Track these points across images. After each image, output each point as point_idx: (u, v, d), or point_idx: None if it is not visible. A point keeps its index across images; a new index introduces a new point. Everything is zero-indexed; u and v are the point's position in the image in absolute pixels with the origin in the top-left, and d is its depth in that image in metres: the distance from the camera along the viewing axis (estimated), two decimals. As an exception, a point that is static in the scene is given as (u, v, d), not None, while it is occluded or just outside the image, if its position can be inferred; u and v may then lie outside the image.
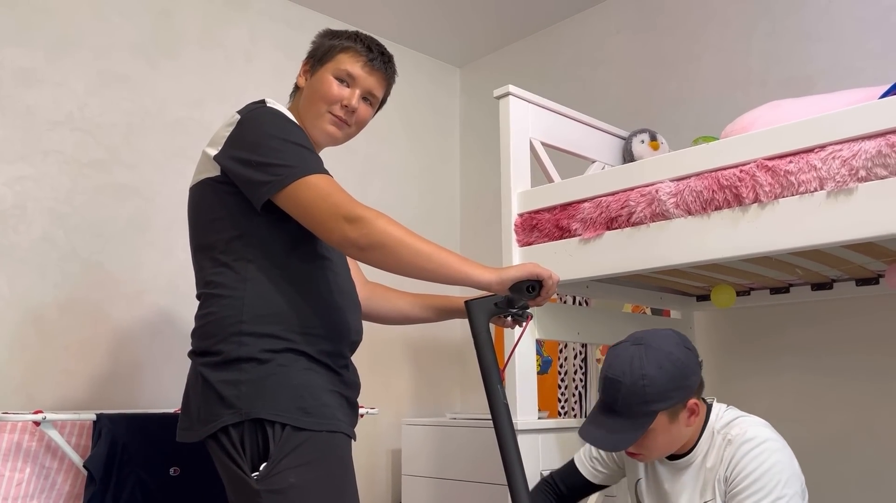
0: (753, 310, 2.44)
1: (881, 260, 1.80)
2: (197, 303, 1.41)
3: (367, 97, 1.53)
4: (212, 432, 1.30)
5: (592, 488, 1.71)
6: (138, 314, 2.37)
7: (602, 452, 1.69)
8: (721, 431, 1.48)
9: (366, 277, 1.69)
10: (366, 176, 3.07)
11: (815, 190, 1.40)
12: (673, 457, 1.54)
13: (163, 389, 2.35)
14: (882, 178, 1.31)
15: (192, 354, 1.38)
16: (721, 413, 1.52)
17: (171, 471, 1.85)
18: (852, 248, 1.71)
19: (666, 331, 1.49)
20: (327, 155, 1.57)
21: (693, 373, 1.45)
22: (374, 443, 2.91)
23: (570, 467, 1.72)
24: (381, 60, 1.52)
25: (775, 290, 2.30)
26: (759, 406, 2.39)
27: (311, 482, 1.27)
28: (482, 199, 3.34)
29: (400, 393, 3.05)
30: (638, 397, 1.40)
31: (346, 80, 1.49)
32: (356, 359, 3.00)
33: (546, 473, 1.84)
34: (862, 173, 1.33)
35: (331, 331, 1.39)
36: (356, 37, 1.52)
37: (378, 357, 2.98)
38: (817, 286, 2.20)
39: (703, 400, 1.54)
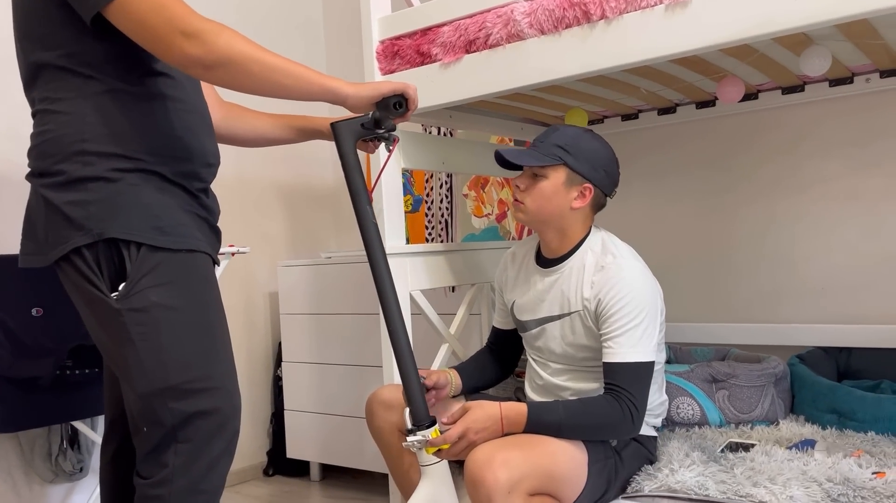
0: (607, 138, 2.58)
1: (711, 77, 1.94)
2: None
3: None
4: (62, 254, 1.24)
5: (510, 336, 1.82)
6: (-22, 162, 2.21)
7: (503, 302, 1.80)
8: (596, 252, 1.60)
9: (221, 97, 1.63)
10: (215, 7, 2.89)
11: (656, 4, 1.47)
12: (546, 265, 1.67)
13: (14, 235, 2.24)
14: (714, -11, 1.40)
15: (30, 176, 1.30)
16: (600, 237, 1.65)
17: (34, 311, 1.81)
18: (685, 66, 1.84)
19: None
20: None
21: (609, 173, 1.63)
22: (250, 287, 2.95)
23: (491, 329, 1.86)
24: None
25: (626, 117, 2.45)
26: (610, 225, 2.59)
27: (173, 299, 1.26)
28: (348, 32, 3.25)
29: (274, 237, 3.06)
30: (559, 139, 1.59)
31: None
32: (227, 201, 2.96)
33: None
34: (696, -16, 1.41)
35: (184, 152, 1.33)
36: None
37: (249, 201, 2.95)
38: (663, 111, 2.36)
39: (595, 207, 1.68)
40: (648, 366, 1.48)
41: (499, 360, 1.84)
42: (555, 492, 1.41)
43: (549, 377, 1.67)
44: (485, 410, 1.43)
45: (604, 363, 1.49)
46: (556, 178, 1.59)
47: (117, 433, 1.48)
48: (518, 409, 1.44)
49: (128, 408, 1.31)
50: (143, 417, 1.27)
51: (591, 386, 1.62)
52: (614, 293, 1.50)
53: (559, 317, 1.62)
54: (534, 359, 1.73)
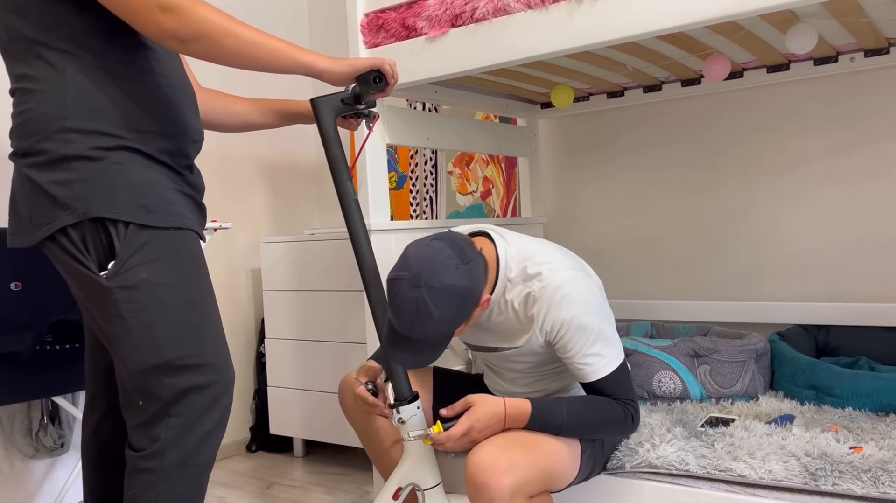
0: (592, 116, 2.59)
1: (696, 54, 1.94)
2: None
3: None
4: (48, 234, 1.24)
5: None
6: (-47, 134, 2.16)
7: None
8: (516, 281, 1.45)
9: (199, 83, 1.61)
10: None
11: (643, -21, 1.46)
12: None
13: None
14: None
15: (13, 156, 1.29)
16: (510, 258, 1.45)
17: (13, 286, 1.79)
18: (671, 42, 1.83)
19: (443, 253, 1.31)
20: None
21: (477, 284, 1.33)
22: (232, 263, 2.92)
23: None
24: None
25: (612, 95, 2.44)
26: (594, 204, 2.61)
27: (163, 276, 1.26)
28: (332, 4, 3.21)
29: (257, 213, 3.04)
30: (433, 334, 1.32)
31: None
32: (209, 177, 2.92)
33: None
34: (683, -38, 1.40)
35: (168, 129, 1.32)
36: None
37: (231, 178, 2.92)
38: (648, 88, 2.36)
39: (490, 237, 1.48)
40: (624, 366, 1.44)
41: None
42: (551, 487, 1.41)
43: (507, 386, 1.63)
44: (490, 408, 1.38)
45: (583, 384, 1.44)
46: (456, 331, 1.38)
47: (99, 407, 1.48)
48: (522, 408, 1.39)
49: (120, 383, 1.31)
50: (137, 392, 1.27)
51: (554, 386, 1.59)
52: (560, 320, 1.39)
53: (508, 349, 1.53)
54: (488, 368, 1.67)
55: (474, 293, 1.33)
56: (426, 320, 1.30)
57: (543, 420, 1.40)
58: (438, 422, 1.41)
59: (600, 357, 1.41)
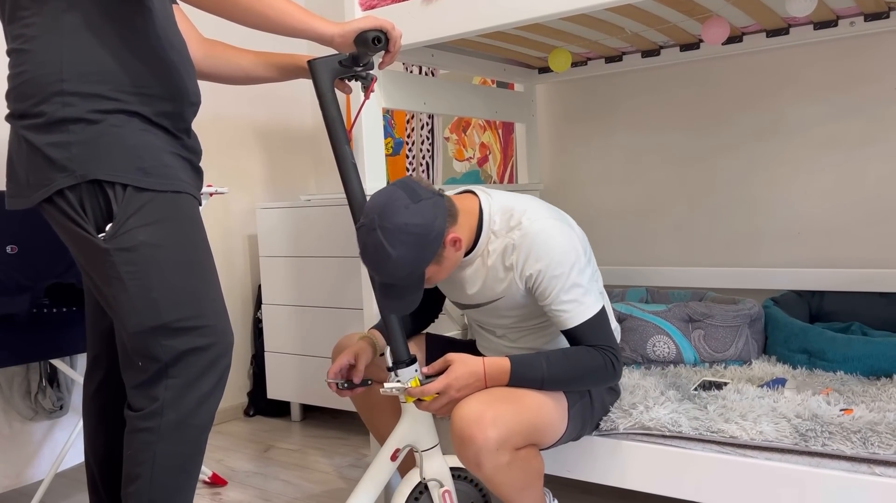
0: (590, 81, 2.57)
1: (695, 17, 1.92)
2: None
3: None
4: (45, 197, 1.24)
5: (429, 294, 1.75)
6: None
7: None
8: (499, 232, 1.49)
9: (201, 34, 1.59)
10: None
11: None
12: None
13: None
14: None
15: (10, 117, 1.28)
16: (493, 211, 1.50)
17: (9, 249, 1.79)
18: (669, 5, 1.81)
19: (394, 195, 1.37)
20: None
21: (433, 222, 1.37)
22: (229, 229, 2.92)
23: None
24: None
25: (610, 59, 2.42)
26: (591, 170, 2.60)
27: (161, 238, 1.27)
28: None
29: (252, 179, 3.03)
30: (400, 274, 1.37)
31: None
32: (204, 141, 2.90)
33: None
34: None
35: (168, 91, 1.32)
36: None
37: (227, 143, 2.90)
38: (647, 53, 2.34)
39: (474, 193, 1.53)
40: (602, 314, 1.44)
41: (416, 316, 1.75)
42: (538, 441, 1.43)
43: (497, 341, 1.64)
44: (468, 367, 1.40)
45: (562, 331, 1.45)
46: (430, 269, 1.43)
47: (101, 367, 1.49)
48: (501, 367, 1.41)
49: (119, 345, 1.32)
50: (136, 353, 1.28)
51: (541, 341, 1.60)
52: (538, 267, 1.42)
53: (493, 301, 1.55)
54: (478, 326, 1.68)
55: (430, 230, 1.37)
56: (386, 260, 1.35)
57: (524, 374, 1.41)
58: (416, 377, 1.43)
59: (577, 303, 1.42)
